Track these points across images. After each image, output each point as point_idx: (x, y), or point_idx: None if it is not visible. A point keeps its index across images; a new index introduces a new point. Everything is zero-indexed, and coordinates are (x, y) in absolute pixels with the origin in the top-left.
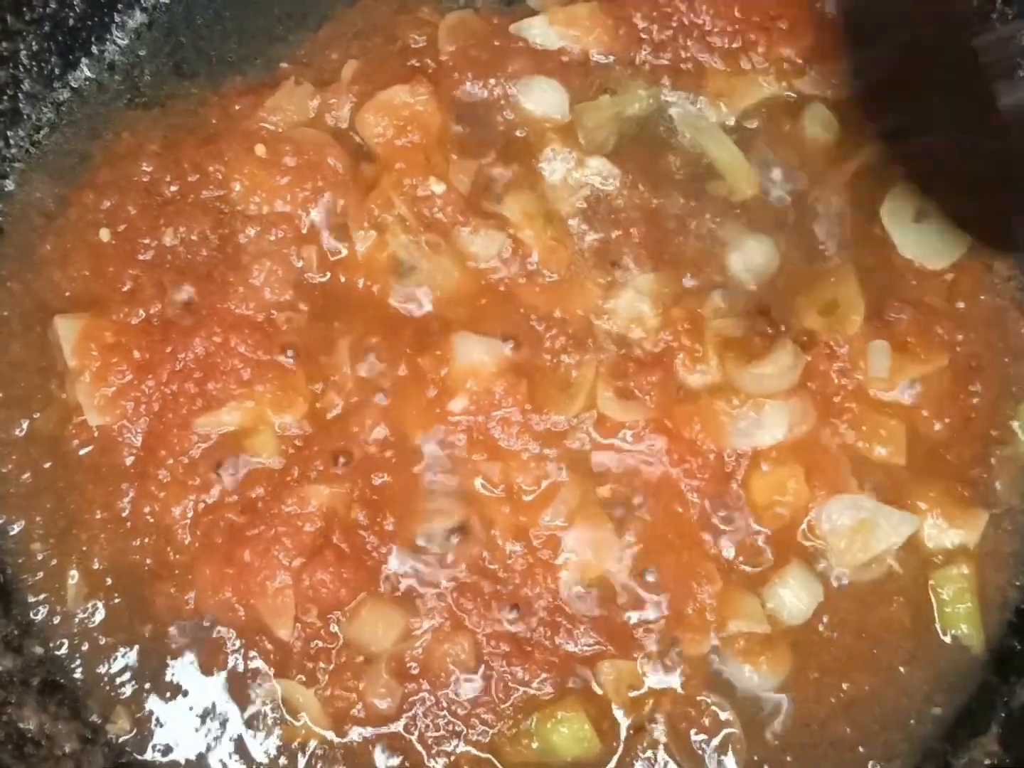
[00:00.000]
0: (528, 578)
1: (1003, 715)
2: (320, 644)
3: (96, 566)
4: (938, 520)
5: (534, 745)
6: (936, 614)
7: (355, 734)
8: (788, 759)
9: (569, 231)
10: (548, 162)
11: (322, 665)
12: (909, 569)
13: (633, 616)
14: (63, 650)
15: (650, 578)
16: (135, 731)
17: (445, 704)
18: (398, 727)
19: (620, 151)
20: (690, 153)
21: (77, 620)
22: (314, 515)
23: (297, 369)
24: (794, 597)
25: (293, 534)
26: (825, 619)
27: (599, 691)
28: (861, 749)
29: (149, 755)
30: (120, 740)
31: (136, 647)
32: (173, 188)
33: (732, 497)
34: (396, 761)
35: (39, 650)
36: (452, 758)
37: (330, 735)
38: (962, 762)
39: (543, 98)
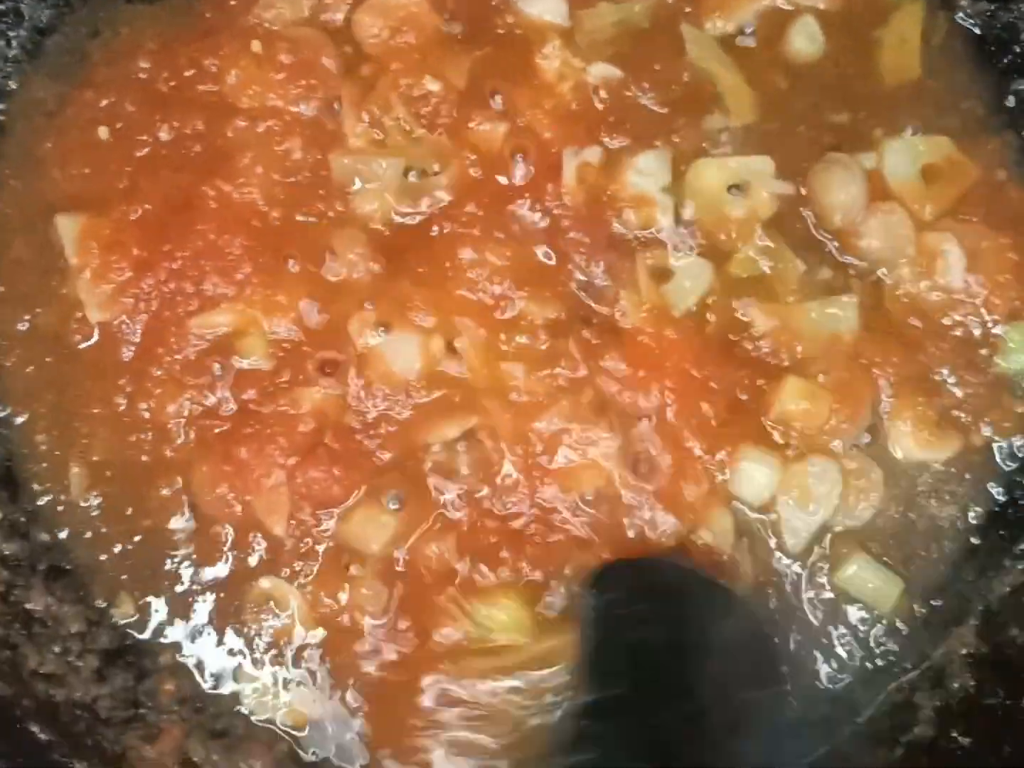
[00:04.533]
0: (525, 483)
1: (980, 608)
2: (311, 543)
3: (96, 459)
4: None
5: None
6: None
7: (341, 632)
8: None
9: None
10: (547, 59)
11: (311, 564)
12: None
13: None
14: (67, 537)
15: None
16: (138, 616)
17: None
18: (382, 623)
19: (622, 57)
20: (693, 69)
21: (80, 510)
22: (306, 416)
23: (290, 271)
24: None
25: (287, 433)
26: None
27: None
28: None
29: (149, 636)
30: (123, 623)
31: (137, 537)
32: (170, 84)
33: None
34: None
35: (45, 537)
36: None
37: (317, 632)
38: (939, 652)
39: (543, 3)
